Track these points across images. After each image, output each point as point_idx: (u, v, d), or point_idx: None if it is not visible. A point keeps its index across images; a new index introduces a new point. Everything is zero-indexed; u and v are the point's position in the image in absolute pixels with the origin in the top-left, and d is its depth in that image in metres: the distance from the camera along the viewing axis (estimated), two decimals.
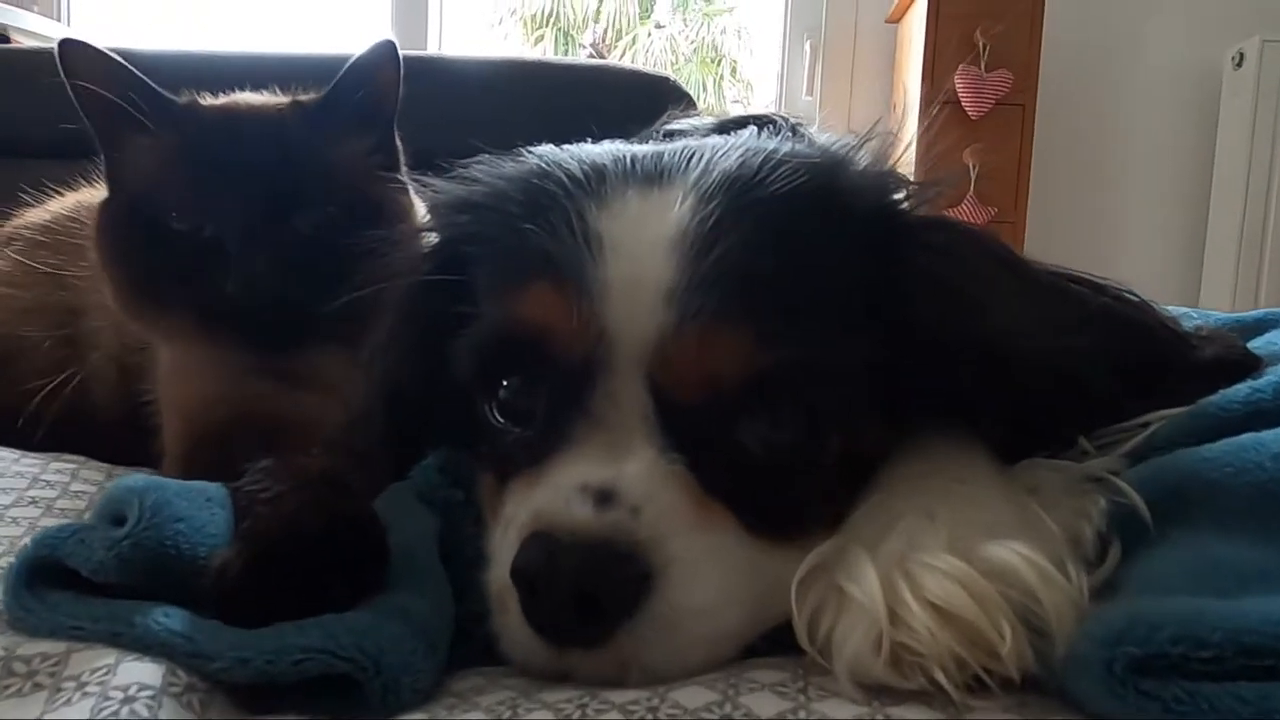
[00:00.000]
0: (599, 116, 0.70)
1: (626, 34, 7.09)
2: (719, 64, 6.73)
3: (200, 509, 0.49)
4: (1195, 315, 0.74)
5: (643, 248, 0.49)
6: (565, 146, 0.59)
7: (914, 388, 0.51)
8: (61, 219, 1.03)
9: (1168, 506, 0.45)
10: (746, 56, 6.38)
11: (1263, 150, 2.76)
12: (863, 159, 0.57)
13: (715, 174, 0.52)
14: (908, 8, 2.87)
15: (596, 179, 0.53)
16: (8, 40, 2.32)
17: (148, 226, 0.82)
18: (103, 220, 0.86)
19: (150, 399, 0.90)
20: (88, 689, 0.39)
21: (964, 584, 0.41)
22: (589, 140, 0.61)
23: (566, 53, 6.86)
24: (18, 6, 2.52)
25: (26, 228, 1.05)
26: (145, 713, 0.38)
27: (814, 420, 0.50)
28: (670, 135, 0.74)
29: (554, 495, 0.46)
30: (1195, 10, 2.97)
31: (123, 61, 0.82)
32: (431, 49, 3.05)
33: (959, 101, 2.59)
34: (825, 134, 0.69)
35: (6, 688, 0.40)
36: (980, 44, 2.62)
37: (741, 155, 0.53)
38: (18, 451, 0.81)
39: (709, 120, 0.82)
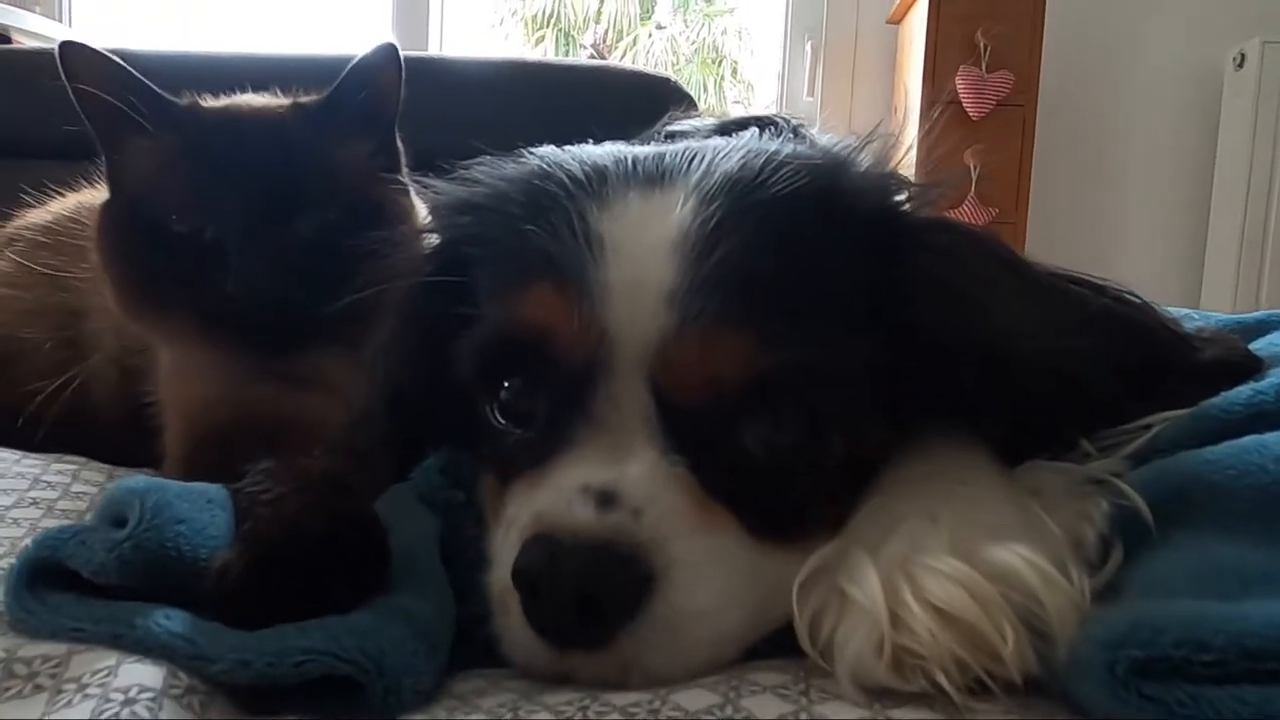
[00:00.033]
0: (600, 117, 0.70)
1: (627, 35, 7.09)
2: (720, 65, 6.74)
3: (201, 510, 0.49)
4: (1196, 317, 0.74)
5: (644, 249, 0.49)
6: (566, 148, 0.59)
7: (915, 389, 0.51)
8: (63, 220, 1.03)
9: (1170, 509, 0.45)
10: (747, 57, 6.39)
11: (1264, 151, 2.76)
12: (864, 161, 0.57)
13: (717, 175, 0.52)
14: (909, 9, 2.88)
15: (598, 180, 0.53)
16: (9, 41, 2.32)
17: (148, 228, 0.82)
18: (103, 222, 0.86)
19: (151, 400, 0.90)
20: (88, 691, 0.39)
21: (966, 586, 0.41)
22: (590, 141, 0.61)
23: (567, 53, 6.86)
24: (19, 7, 2.53)
25: (28, 229, 1.05)
26: (146, 714, 0.38)
27: (816, 422, 0.49)
28: (672, 136, 0.74)
29: (556, 497, 0.46)
30: (1196, 11, 2.97)
31: (123, 64, 0.82)
32: (432, 49, 3.05)
33: (960, 102, 2.59)
34: (827, 135, 0.69)
35: (7, 689, 0.40)
36: (981, 45, 2.62)
37: (743, 157, 0.53)
38: (19, 452, 0.81)
39: (710, 121, 0.82)
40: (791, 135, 0.66)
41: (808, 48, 3.12)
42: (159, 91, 0.84)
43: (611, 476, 0.46)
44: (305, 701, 0.41)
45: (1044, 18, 2.66)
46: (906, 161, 0.60)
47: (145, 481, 0.50)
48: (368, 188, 0.85)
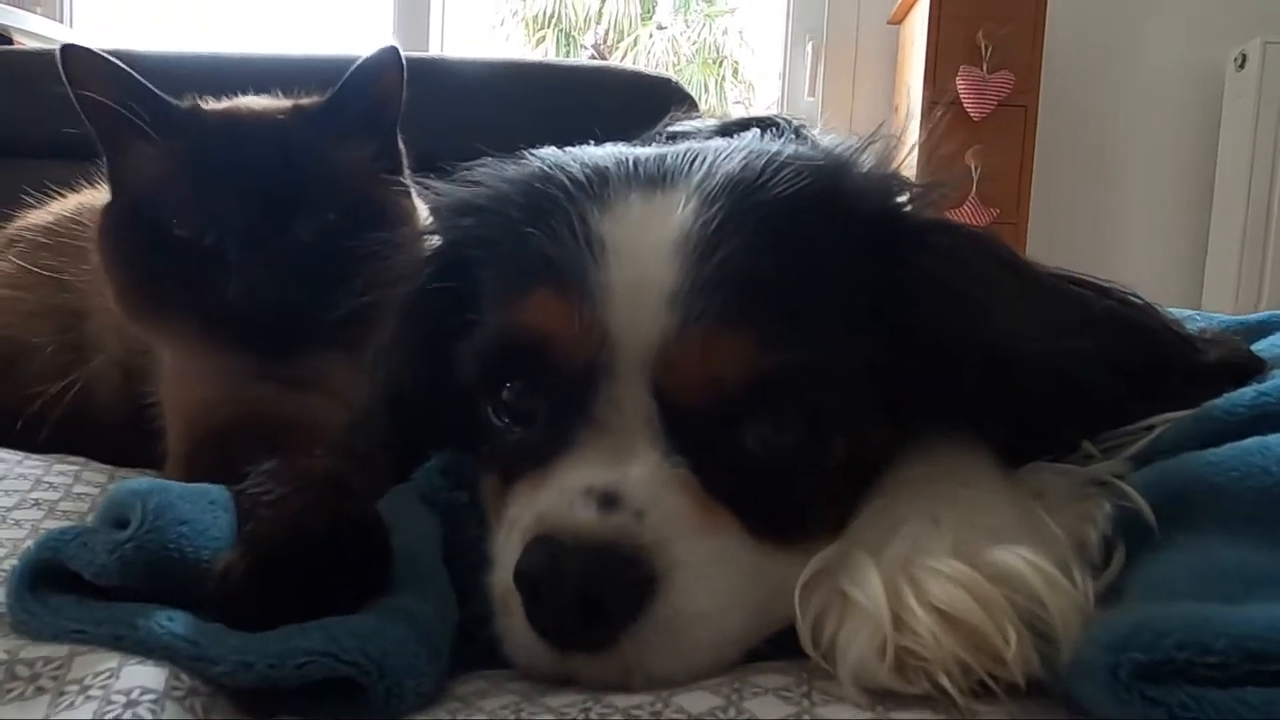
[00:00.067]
0: (601, 117, 0.70)
1: (628, 35, 7.09)
2: (721, 65, 6.74)
3: (203, 512, 0.49)
4: (1199, 318, 0.74)
5: (645, 251, 0.49)
6: (567, 149, 0.59)
7: (917, 390, 0.51)
8: (64, 221, 1.03)
9: (1173, 511, 0.45)
10: (748, 57, 6.38)
11: (1265, 152, 2.76)
12: (866, 162, 0.57)
13: (718, 177, 0.52)
14: (910, 9, 2.87)
15: (599, 182, 0.53)
16: (10, 42, 2.32)
17: (150, 232, 0.82)
18: (105, 224, 0.86)
19: (153, 401, 0.90)
20: (90, 693, 0.39)
21: (969, 588, 0.41)
22: (591, 142, 0.61)
23: (568, 54, 6.86)
24: (20, 8, 2.53)
25: (29, 230, 1.05)
26: (148, 716, 0.38)
27: (817, 423, 0.49)
28: (673, 137, 0.74)
29: (558, 498, 0.46)
30: (1197, 12, 2.97)
31: (124, 67, 0.82)
32: (433, 50, 3.05)
33: (961, 103, 2.59)
34: (828, 136, 0.69)
35: (9, 691, 0.40)
36: (982, 45, 2.62)
37: (744, 158, 0.53)
38: (20, 453, 0.81)
39: (712, 122, 0.82)
40: (793, 136, 0.66)
41: (809, 48, 3.12)
42: (160, 94, 0.84)
43: (614, 478, 0.46)
44: (307, 703, 0.41)
45: (1045, 18, 2.66)
46: (908, 162, 0.60)
47: (147, 483, 0.51)
48: (369, 190, 0.85)
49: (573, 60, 5.98)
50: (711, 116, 0.89)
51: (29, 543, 0.52)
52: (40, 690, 0.40)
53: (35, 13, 2.64)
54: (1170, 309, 0.63)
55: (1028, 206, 2.66)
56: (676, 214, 0.50)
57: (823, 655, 0.43)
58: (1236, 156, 2.84)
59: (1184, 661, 0.34)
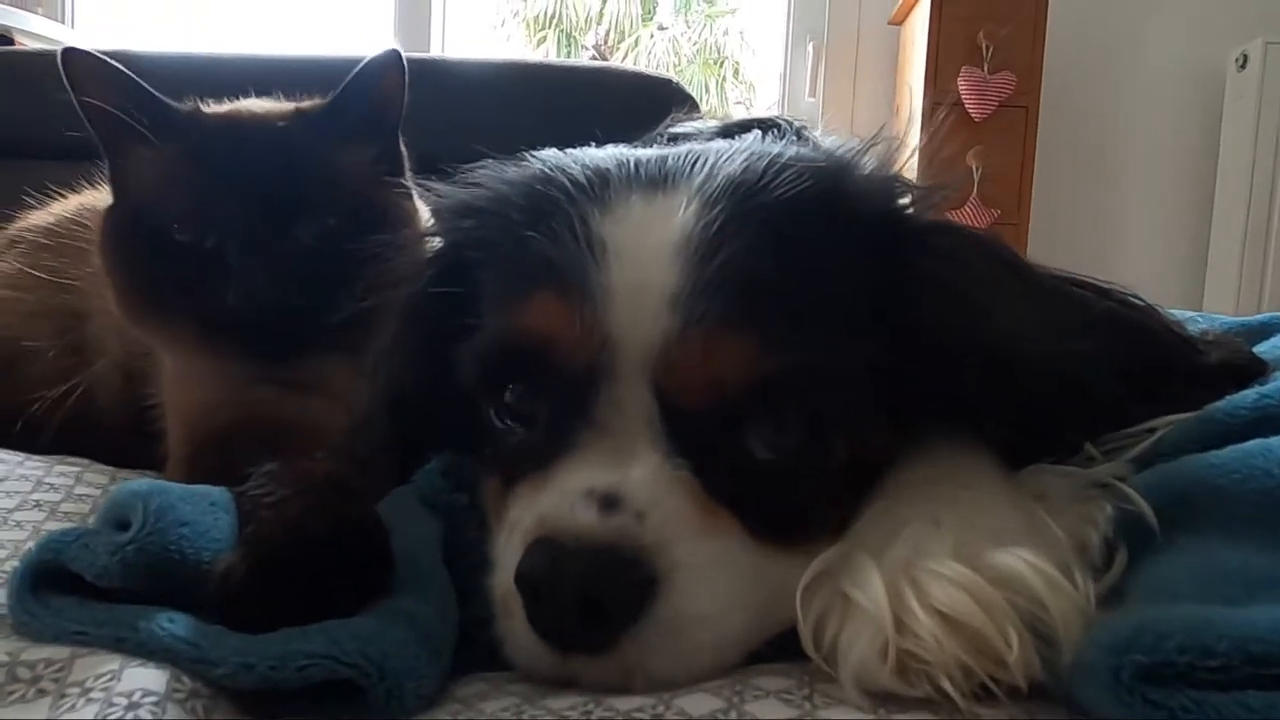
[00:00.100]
0: (601, 118, 0.70)
1: (629, 36, 7.10)
2: (721, 65, 6.74)
3: (204, 513, 0.49)
4: (1200, 319, 0.74)
5: (646, 253, 0.49)
6: (568, 150, 0.59)
7: (918, 392, 0.51)
8: (65, 221, 1.03)
9: (1175, 513, 0.45)
10: (749, 58, 6.39)
11: (1266, 152, 2.75)
12: (868, 164, 0.57)
13: (719, 178, 0.52)
14: (911, 9, 2.87)
15: (600, 184, 0.53)
16: (11, 42, 2.32)
17: (151, 236, 0.82)
18: (106, 228, 0.86)
19: (154, 403, 0.90)
20: (92, 695, 0.39)
21: (970, 591, 0.41)
22: (592, 143, 0.61)
23: (569, 54, 6.86)
24: (21, 9, 2.53)
25: (29, 230, 1.05)
26: (149, 718, 0.38)
27: (819, 425, 0.49)
28: (674, 139, 0.74)
29: (559, 500, 0.46)
30: (1198, 12, 2.97)
31: (125, 70, 0.82)
32: (434, 51, 3.05)
33: (962, 103, 2.59)
34: (830, 138, 0.69)
35: (11, 693, 0.40)
36: (983, 46, 2.62)
37: (746, 159, 0.53)
38: (22, 455, 0.82)
39: (713, 123, 0.82)
40: (794, 138, 0.66)
41: (809, 49, 3.12)
42: (161, 98, 0.84)
43: (615, 480, 0.46)
44: (308, 705, 0.41)
45: (1046, 18, 2.65)
46: (909, 164, 0.60)
47: (148, 484, 0.51)
48: (371, 193, 0.85)
49: (573, 61, 5.98)
50: (713, 117, 0.89)
51: (30, 544, 0.52)
52: (42, 692, 0.40)
53: (36, 13, 2.64)
54: (1171, 310, 0.63)
55: (1029, 207, 2.66)
56: (678, 216, 0.50)
57: (824, 657, 0.43)
58: (1238, 157, 2.83)
59: (1186, 664, 0.34)
